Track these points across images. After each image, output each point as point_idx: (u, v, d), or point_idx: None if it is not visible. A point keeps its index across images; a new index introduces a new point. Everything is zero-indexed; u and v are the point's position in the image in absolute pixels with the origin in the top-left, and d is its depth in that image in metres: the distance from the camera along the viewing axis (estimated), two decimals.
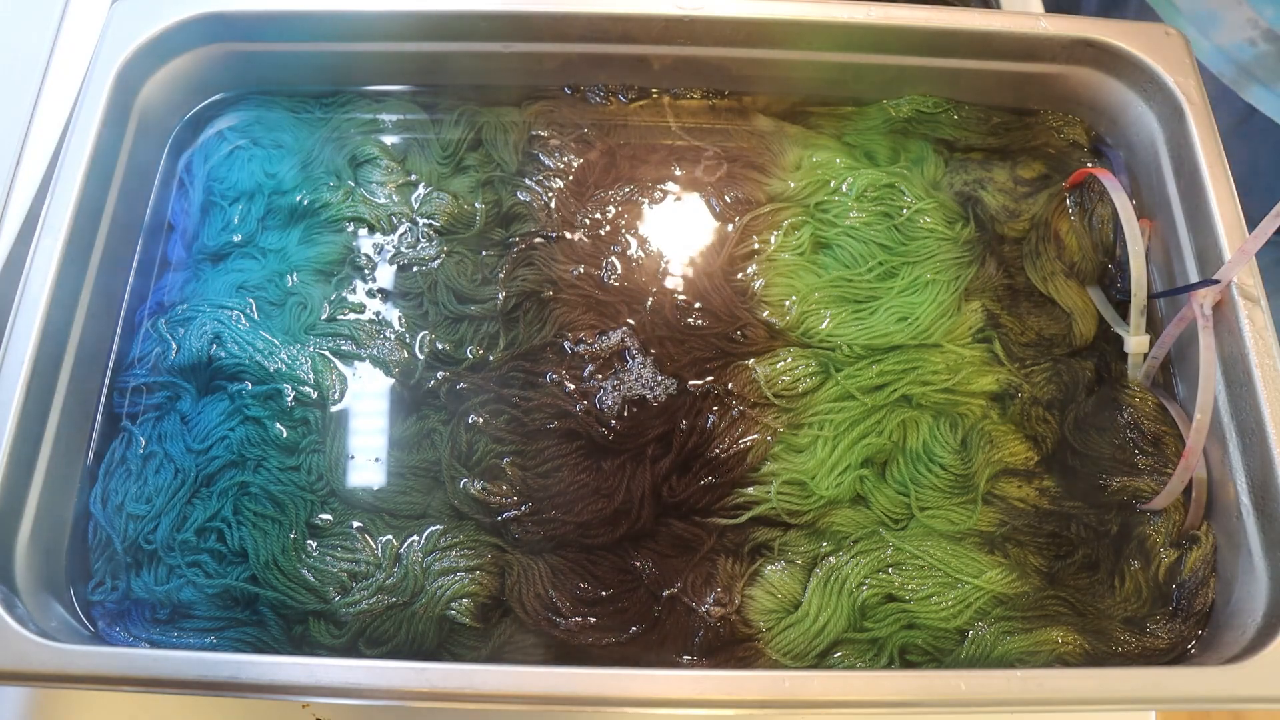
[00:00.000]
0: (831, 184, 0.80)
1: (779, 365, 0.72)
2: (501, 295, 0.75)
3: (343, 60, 0.81)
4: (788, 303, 0.75)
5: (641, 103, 0.84)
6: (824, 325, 0.74)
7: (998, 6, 0.96)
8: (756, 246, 0.77)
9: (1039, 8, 0.96)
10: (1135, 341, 0.72)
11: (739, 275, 0.76)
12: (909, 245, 0.78)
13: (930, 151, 0.82)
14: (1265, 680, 0.58)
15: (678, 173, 0.81)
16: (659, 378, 0.72)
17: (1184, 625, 0.66)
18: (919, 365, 0.73)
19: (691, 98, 0.84)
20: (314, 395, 0.70)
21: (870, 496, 0.69)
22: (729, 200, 0.79)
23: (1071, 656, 0.65)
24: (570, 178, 0.80)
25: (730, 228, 0.78)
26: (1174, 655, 0.65)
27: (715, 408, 0.71)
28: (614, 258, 0.77)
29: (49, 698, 0.68)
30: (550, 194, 0.79)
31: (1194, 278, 0.72)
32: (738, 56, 0.81)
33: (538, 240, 0.77)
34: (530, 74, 0.83)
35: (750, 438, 0.70)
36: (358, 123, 0.82)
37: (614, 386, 0.71)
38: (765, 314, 0.75)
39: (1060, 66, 0.80)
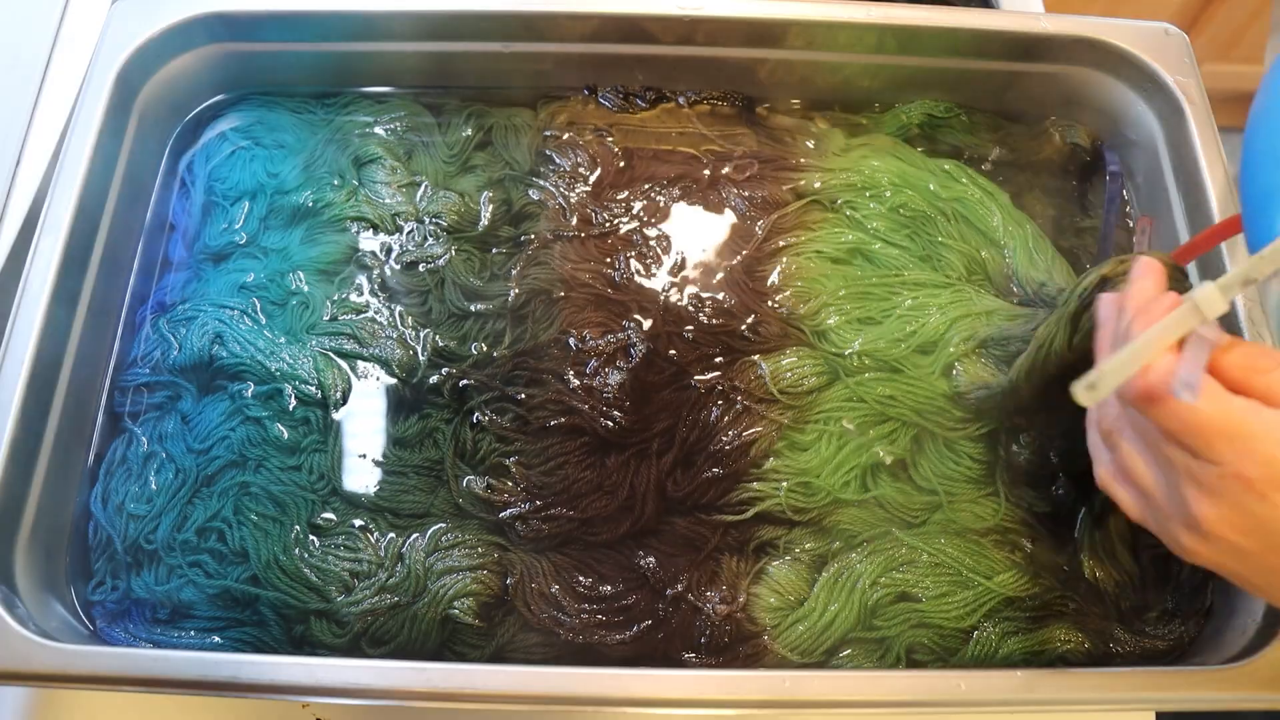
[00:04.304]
0: (867, 191, 0.79)
1: (784, 362, 0.72)
2: (513, 292, 0.74)
3: (345, 61, 0.81)
4: (804, 306, 0.74)
5: (657, 103, 0.84)
6: (838, 327, 0.73)
7: (996, 6, 0.96)
8: (778, 246, 0.77)
9: (1039, 7, 0.96)
10: None
11: (756, 275, 0.76)
12: (933, 263, 0.77)
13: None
14: (1265, 680, 0.58)
15: (693, 172, 0.81)
16: (665, 373, 0.72)
17: (1184, 625, 0.66)
18: (924, 388, 0.71)
19: (707, 97, 0.84)
20: (316, 395, 0.70)
21: (884, 495, 0.69)
22: (750, 199, 0.79)
23: (1073, 656, 0.65)
24: (584, 177, 0.80)
25: (751, 226, 0.78)
26: (1174, 655, 0.65)
27: (720, 403, 0.71)
28: (627, 257, 0.77)
29: (49, 698, 0.68)
30: (563, 193, 0.79)
31: (1194, 278, 0.72)
32: (741, 56, 0.81)
33: (549, 239, 0.77)
34: (542, 75, 0.83)
35: (754, 431, 0.70)
36: (361, 123, 0.82)
37: (618, 382, 0.71)
38: (782, 314, 0.74)
39: (1061, 66, 0.80)
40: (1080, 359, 0.60)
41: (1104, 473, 0.53)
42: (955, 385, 0.71)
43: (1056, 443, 0.69)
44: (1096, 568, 0.67)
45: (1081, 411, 0.63)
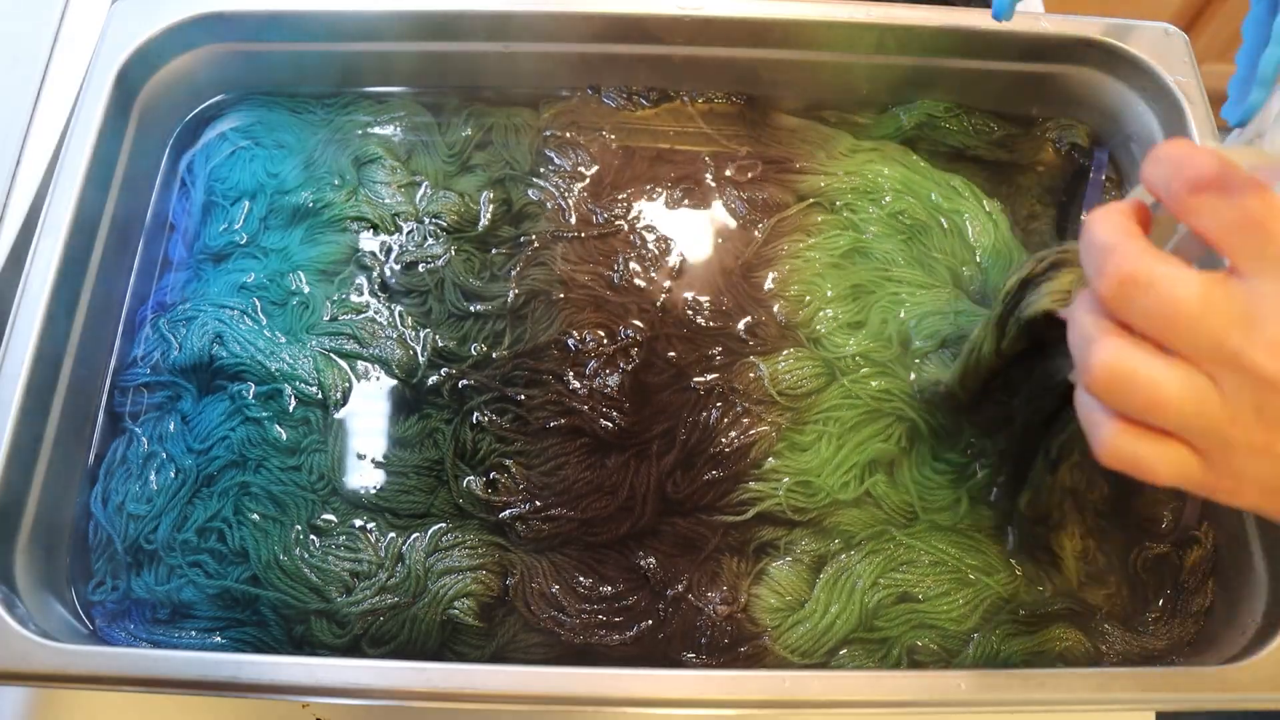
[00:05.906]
0: (868, 194, 0.79)
1: (782, 364, 0.72)
2: (512, 293, 0.74)
3: (346, 61, 0.81)
4: (801, 311, 0.74)
5: (660, 104, 0.84)
6: (834, 332, 0.73)
7: None
8: (778, 249, 0.77)
9: (1039, 7, 0.96)
10: None
11: (753, 278, 0.76)
12: (926, 264, 0.77)
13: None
14: (1265, 680, 0.58)
15: (695, 173, 0.81)
16: (664, 374, 0.72)
17: (1184, 625, 0.66)
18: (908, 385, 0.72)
19: (711, 99, 0.84)
20: (316, 395, 0.70)
21: (881, 494, 0.69)
22: (751, 201, 0.79)
23: (1073, 656, 0.65)
24: (586, 178, 0.80)
25: (751, 229, 0.78)
26: (1174, 655, 0.65)
27: (719, 404, 0.71)
28: (627, 258, 0.77)
29: (49, 698, 0.68)
30: (564, 193, 0.79)
31: None
32: (742, 56, 0.81)
33: (550, 239, 0.77)
34: (543, 75, 0.82)
35: (754, 433, 0.70)
36: (361, 123, 0.82)
37: (618, 383, 0.71)
38: (781, 316, 0.74)
39: (1061, 66, 0.80)
40: (1007, 364, 0.61)
41: (1112, 436, 0.38)
42: (919, 384, 0.71)
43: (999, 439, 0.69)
44: (1035, 571, 0.66)
45: (1011, 408, 0.64)
